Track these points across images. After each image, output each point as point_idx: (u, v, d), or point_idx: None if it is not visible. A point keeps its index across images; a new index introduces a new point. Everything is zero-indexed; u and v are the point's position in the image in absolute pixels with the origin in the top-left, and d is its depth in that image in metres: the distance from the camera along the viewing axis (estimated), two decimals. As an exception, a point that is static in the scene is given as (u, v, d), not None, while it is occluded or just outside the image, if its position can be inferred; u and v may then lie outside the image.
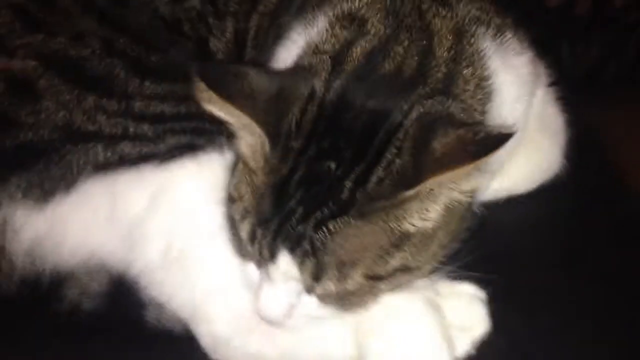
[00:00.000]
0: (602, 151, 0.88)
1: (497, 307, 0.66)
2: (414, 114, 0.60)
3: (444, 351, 0.62)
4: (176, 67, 0.76)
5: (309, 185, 0.59)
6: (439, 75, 0.63)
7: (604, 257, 0.77)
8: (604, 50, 1.00)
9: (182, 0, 0.81)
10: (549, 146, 0.80)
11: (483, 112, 0.65)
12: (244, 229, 0.63)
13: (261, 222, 0.61)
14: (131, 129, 0.72)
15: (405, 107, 0.61)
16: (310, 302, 0.64)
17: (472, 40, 0.67)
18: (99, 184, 0.72)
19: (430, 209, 0.60)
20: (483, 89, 0.66)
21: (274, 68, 0.69)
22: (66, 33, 0.75)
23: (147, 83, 0.74)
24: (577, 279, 0.71)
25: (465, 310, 0.66)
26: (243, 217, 0.64)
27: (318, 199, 0.59)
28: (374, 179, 0.59)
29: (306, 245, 0.59)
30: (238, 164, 0.68)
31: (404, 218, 0.59)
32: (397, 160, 0.59)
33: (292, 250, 0.60)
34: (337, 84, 0.62)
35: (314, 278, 0.61)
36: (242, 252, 0.66)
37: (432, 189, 0.58)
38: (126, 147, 0.72)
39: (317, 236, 0.59)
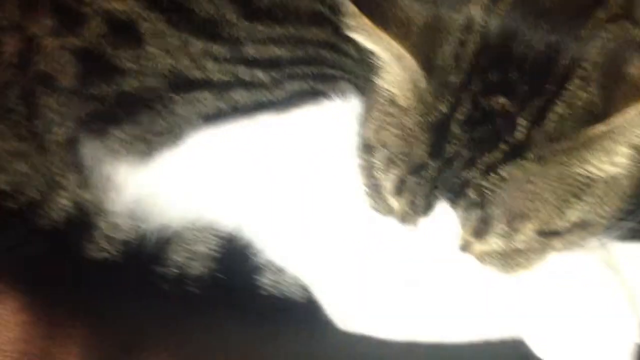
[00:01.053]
0: None
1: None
2: (597, 41, 0.52)
3: (631, 318, 0.54)
4: (292, 8, 0.69)
5: (474, 125, 0.52)
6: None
7: None
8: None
9: None
10: None
11: None
12: (389, 180, 0.56)
13: (414, 169, 0.54)
14: (243, 76, 0.67)
15: (586, 33, 0.53)
16: (465, 262, 0.56)
17: None
18: (211, 136, 0.66)
19: (619, 150, 0.52)
20: None
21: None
22: None
23: (259, 26, 0.68)
24: None
25: None
26: (387, 166, 0.57)
27: (487, 140, 0.52)
28: (554, 115, 0.51)
29: (472, 195, 0.52)
30: (374, 108, 0.60)
31: (589, 162, 0.52)
32: (582, 93, 0.51)
33: (453, 201, 0.53)
34: (499, 10, 0.55)
35: (477, 233, 0.53)
36: (380, 206, 0.59)
37: (626, 124, 0.50)
38: (239, 95, 0.67)
39: (486, 183, 0.52)
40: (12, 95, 0.70)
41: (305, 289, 0.66)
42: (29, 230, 0.72)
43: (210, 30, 0.68)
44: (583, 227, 0.55)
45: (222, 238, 0.70)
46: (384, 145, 0.57)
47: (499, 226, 0.53)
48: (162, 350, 0.69)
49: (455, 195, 0.53)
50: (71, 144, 0.69)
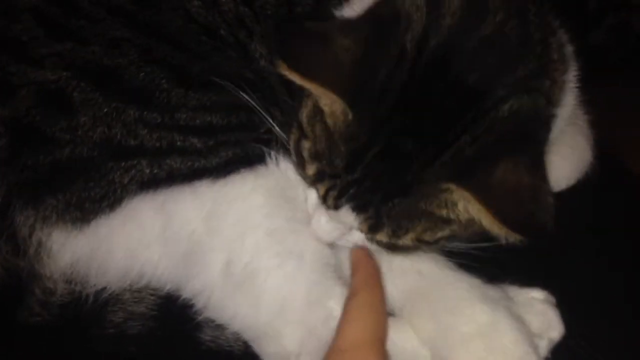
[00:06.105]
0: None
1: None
2: (506, 106, 0.59)
3: (533, 356, 0.62)
4: (222, 76, 0.71)
5: (384, 160, 0.61)
6: (538, 51, 0.63)
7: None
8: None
9: (215, 2, 0.77)
10: (583, 143, 0.81)
11: (559, 103, 0.67)
12: (311, 168, 0.65)
13: (331, 174, 0.63)
14: (178, 143, 0.68)
15: (502, 93, 0.59)
16: (361, 236, 0.68)
17: (552, 27, 0.69)
18: (148, 202, 0.67)
19: (460, 205, 0.62)
20: (563, 73, 0.67)
21: (359, 19, 0.65)
22: (98, 41, 0.70)
23: (191, 93, 0.69)
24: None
25: (540, 315, 0.66)
26: (312, 158, 0.65)
27: (389, 175, 0.61)
28: (438, 163, 0.60)
29: (370, 212, 0.63)
30: (311, 96, 0.66)
31: (447, 207, 0.62)
32: (467, 150, 0.59)
33: (355, 210, 0.63)
34: (433, 43, 0.59)
35: (370, 230, 0.65)
36: (303, 178, 0.68)
37: (457, 196, 0.61)
38: (174, 162, 0.67)
39: (382, 208, 0.62)
40: None
41: (244, 341, 0.68)
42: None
43: (143, 97, 0.68)
44: (447, 239, 0.66)
45: (160, 297, 0.70)
46: (314, 139, 0.64)
47: (386, 232, 0.64)
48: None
49: (358, 207, 0.63)
50: (2, 212, 0.67)
